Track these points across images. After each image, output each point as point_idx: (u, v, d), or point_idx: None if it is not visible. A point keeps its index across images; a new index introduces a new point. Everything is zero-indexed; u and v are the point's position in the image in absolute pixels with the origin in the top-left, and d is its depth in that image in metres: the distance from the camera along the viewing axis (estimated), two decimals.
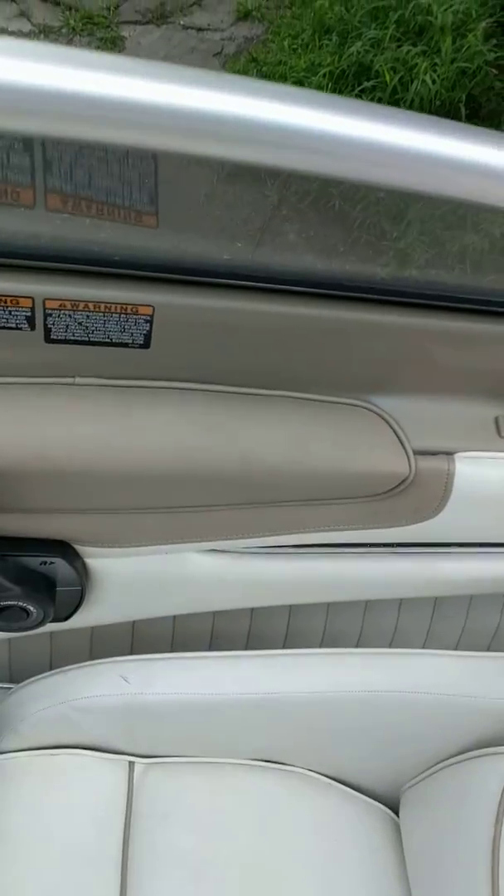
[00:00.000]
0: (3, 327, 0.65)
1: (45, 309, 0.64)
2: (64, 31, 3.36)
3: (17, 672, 1.07)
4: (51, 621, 0.82)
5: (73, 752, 0.92)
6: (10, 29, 3.28)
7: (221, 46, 3.63)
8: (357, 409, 0.77)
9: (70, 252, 0.62)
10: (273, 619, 1.09)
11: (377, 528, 0.84)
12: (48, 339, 0.67)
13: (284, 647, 1.14)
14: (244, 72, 3.61)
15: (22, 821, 0.87)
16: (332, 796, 0.98)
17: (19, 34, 3.32)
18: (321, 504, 0.78)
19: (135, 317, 0.65)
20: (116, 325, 0.66)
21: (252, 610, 1.08)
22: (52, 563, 0.78)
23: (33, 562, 0.77)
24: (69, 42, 3.35)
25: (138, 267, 0.63)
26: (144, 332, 0.67)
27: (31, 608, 0.78)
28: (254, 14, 3.54)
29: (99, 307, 0.64)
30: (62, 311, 0.64)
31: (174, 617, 1.05)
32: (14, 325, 0.65)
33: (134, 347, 0.68)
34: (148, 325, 0.66)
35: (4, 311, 0.64)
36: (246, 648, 1.13)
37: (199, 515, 0.76)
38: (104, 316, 0.65)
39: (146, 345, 0.68)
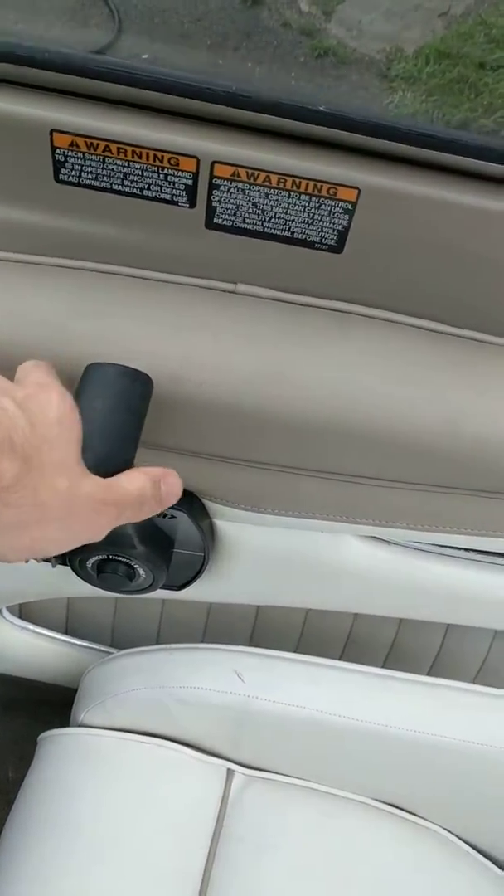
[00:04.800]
0: (156, 198, 0.49)
1: (212, 177, 0.47)
2: None
3: (119, 637, 0.93)
4: (161, 588, 0.67)
5: (165, 743, 0.78)
6: None
7: (449, 6, 3.37)
8: None
9: (256, 97, 0.45)
10: (425, 634, 0.89)
11: None
12: (210, 223, 0.50)
13: (432, 671, 0.94)
14: (470, 34, 3.33)
15: (91, 809, 0.74)
16: (470, 870, 0.78)
17: None
18: None
19: (331, 202, 0.48)
20: (303, 212, 0.49)
21: (401, 619, 0.89)
22: (172, 517, 0.62)
23: None
24: None
25: (350, 127, 0.45)
26: (340, 227, 0.49)
27: (140, 569, 0.63)
28: None
29: (285, 182, 0.47)
30: (234, 183, 0.48)
31: (307, 610, 0.87)
32: (169, 198, 0.49)
33: (321, 249, 0.51)
34: (347, 217, 0.48)
35: (159, 173, 0.48)
36: (386, 663, 0.94)
37: (371, 490, 0.58)
38: (290, 197, 0.48)
39: (338, 248, 0.50)
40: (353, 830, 0.77)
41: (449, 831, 0.79)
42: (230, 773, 0.79)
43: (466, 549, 0.66)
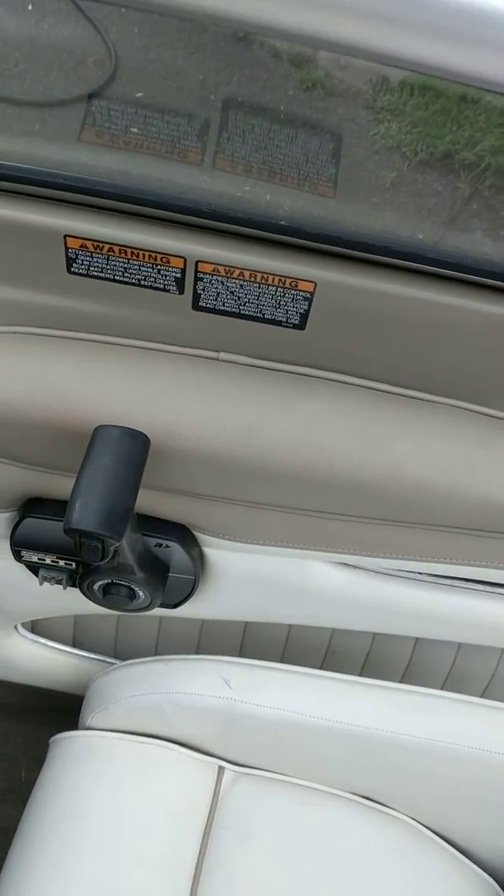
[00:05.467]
0: (151, 286, 0.60)
1: (196, 272, 0.58)
2: None
3: (121, 649, 1.03)
4: (158, 607, 0.77)
5: (163, 744, 0.87)
6: None
7: None
8: None
9: (231, 213, 0.56)
10: (396, 646, 0.99)
11: None
12: (196, 306, 0.61)
13: (404, 679, 1.04)
14: None
15: (98, 803, 0.84)
16: (435, 854, 0.88)
17: None
18: (477, 536, 0.68)
19: (293, 292, 0.58)
20: (272, 299, 0.59)
21: (374, 633, 0.99)
22: (167, 546, 0.72)
23: (148, 542, 0.72)
24: None
25: (305, 237, 0.56)
26: (302, 311, 0.59)
27: (140, 591, 0.73)
28: None
29: (255, 277, 0.58)
30: (215, 277, 0.58)
31: (289, 625, 0.98)
32: (162, 287, 0.60)
33: (287, 327, 0.61)
34: (307, 303, 0.59)
35: (153, 269, 0.58)
36: (361, 673, 1.04)
37: (333, 523, 0.68)
38: (259, 287, 0.58)
39: (301, 326, 0.61)
40: (330, 820, 0.87)
41: (416, 821, 0.89)
42: (221, 769, 0.88)
43: (422, 573, 0.76)
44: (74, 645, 1.04)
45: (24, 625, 1.01)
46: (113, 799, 0.85)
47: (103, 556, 0.57)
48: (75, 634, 1.03)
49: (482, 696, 0.99)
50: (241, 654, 1.02)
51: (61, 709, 1.08)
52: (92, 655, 1.04)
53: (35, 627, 1.03)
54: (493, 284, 0.57)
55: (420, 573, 0.76)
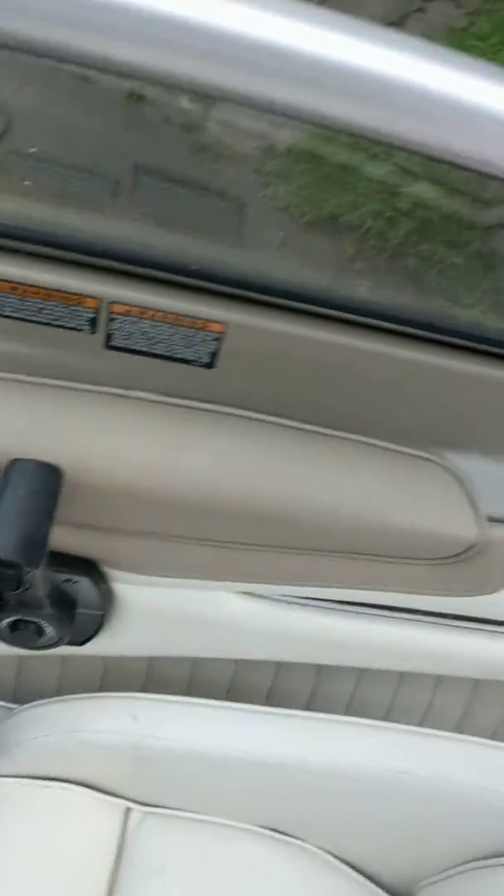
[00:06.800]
0: (64, 326, 0.62)
1: (109, 313, 0.61)
2: None
3: (21, 693, 1.01)
4: (66, 644, 0.78)
5: (68, 786, 0.86)
6: None
7: None
8: (429, 463, 0.72)
9: (144, 256, 0.59)
10: (298, 676, 1.02)
11: (430, 595, 0.78)
12: (108, 345, 0.63)
13: (307, 709, 1.07)
14: (334, 136, 3.64)
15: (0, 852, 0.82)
16: (342, 883, 0.90)
17: None
18: (375, 560, 0.73)
19: (203, 333, 0.62)
20: (182, 339, 0.63)
21: (277, 664, 1.02)
22: (76, 581, 0.73)
23: (56, 578, 0.73)
24: None
25: (214, 280, 0.60)
26: (211, 350, 0.63)
27: (47, 628, 0.73)
28: None
29: (167, 318, 0.61)
30: (128, 318, 0.61)
31: (193, 659, 0.99)
32: (74, 326, 0.62)
33: (197, 366, 0.65)
34: (216, 343, 0.63)
35: (67, 308, 0.61)
36: (266, 704, 1.06)
37: (241, 554, 0.71)
38: (171, 328, 0.62)
39: (211, 365, 0.64)
40: (239, 854, 0.87)
41: (326, 850, 0.91)
42: (128, 811, 0.88)
43: (324, 600, 0.80)
44: None
45: None
46: (13, 848, 0.83)
47: (19, 586, 0.58)
48: None
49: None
50: (144, 691, 1.02)
51: None
52: None
53: None
54: (390, 328, 0.62)
55: (323, 600, 0.80)
